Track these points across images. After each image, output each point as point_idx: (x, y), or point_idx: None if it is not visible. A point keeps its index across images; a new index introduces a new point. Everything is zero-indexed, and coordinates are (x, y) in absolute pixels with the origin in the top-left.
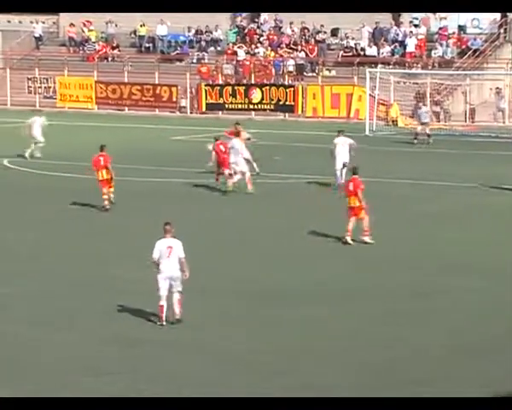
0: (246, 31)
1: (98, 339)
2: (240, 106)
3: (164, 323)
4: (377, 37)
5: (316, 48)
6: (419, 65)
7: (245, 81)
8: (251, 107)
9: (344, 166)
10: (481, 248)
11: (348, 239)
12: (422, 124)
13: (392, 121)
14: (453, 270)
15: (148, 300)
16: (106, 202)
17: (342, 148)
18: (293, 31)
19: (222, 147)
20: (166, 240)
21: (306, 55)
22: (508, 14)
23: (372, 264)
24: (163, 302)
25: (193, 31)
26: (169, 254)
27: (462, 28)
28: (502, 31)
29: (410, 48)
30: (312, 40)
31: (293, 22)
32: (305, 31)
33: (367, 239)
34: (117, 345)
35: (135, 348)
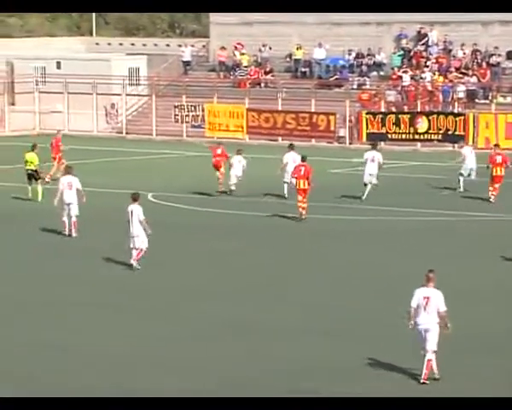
0: (412, 53)
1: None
2: (404, 136)
3: (427, 382)
4: None
5: (489, 72)
6: None
7: (410, 109)
8: (416, 137)
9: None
10: None
11: None
12: None
13: None
14: None
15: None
16: (303, 212)
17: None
18: (464, 53)
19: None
20: (425, 289)
21: (478, 80)
22: None
23: None
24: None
25: (353, 54)
26: (425, 304)
27: None
28: None
29: None
30: (485, 64)
31: (464, 44)
32: (477, 53)
33: None
34: None
35: None
